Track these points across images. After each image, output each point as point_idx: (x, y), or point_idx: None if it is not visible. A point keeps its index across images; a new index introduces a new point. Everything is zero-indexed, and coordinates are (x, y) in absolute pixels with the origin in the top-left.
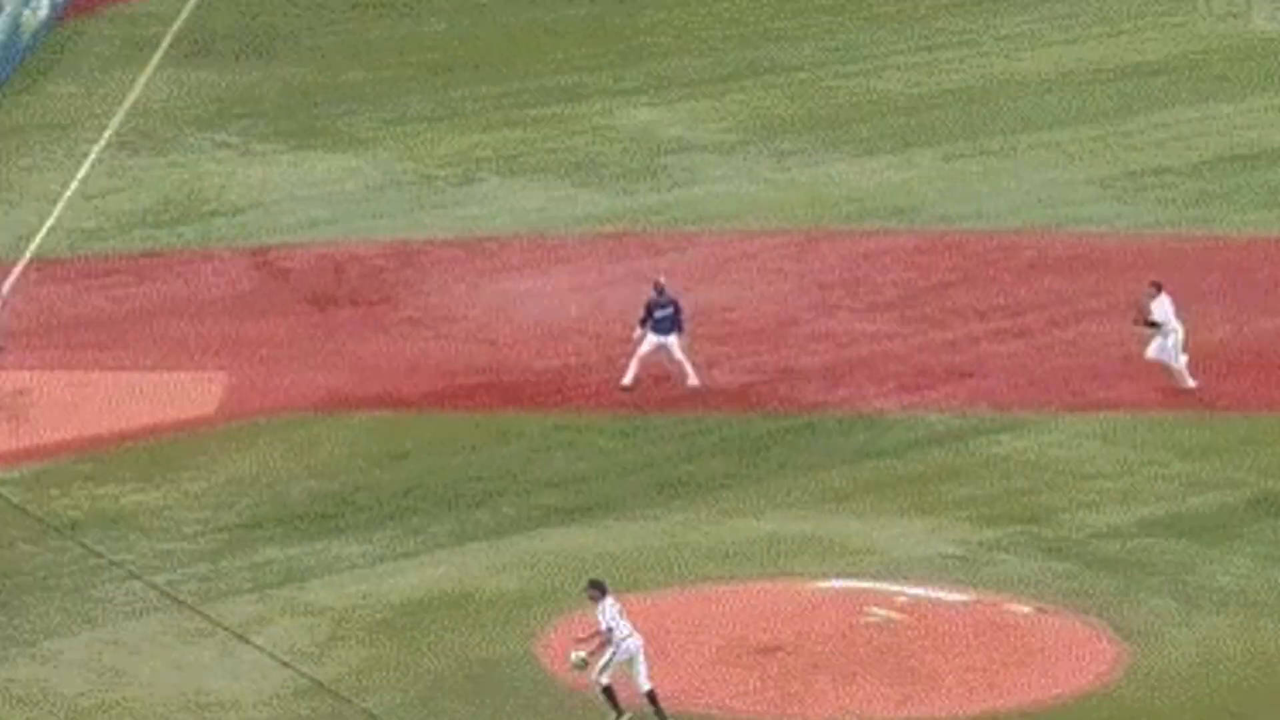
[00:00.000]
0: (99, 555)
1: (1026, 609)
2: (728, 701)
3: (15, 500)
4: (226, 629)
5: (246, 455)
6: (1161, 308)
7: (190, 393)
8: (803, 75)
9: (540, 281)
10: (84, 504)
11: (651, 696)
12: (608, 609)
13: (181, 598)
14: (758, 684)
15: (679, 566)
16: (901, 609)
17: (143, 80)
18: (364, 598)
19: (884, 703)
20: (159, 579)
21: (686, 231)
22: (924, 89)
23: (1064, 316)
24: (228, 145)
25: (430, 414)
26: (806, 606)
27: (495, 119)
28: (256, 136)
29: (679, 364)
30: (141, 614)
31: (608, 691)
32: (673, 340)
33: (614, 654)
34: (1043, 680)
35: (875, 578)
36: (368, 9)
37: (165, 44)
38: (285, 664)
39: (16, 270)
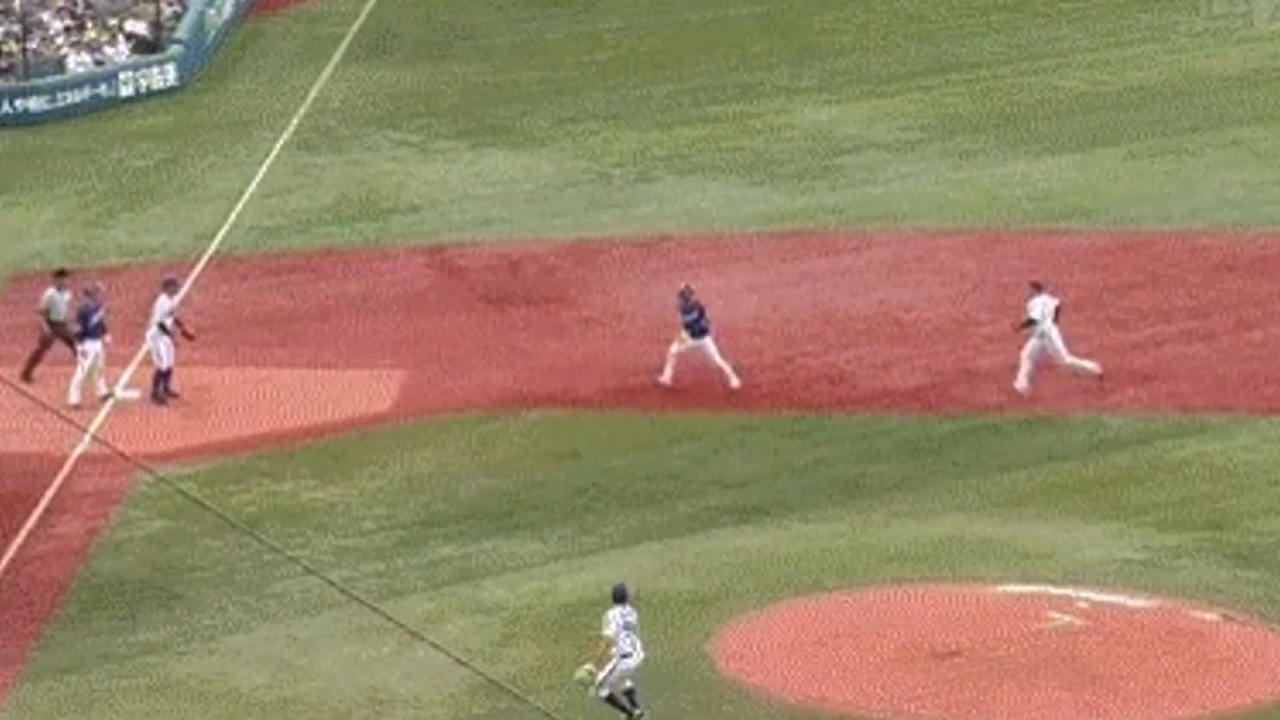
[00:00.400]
0: (277, 551)
1: (1211, 616)
2: (904, 706)
3: (196, 495)
4: (402, 626)
5: (422, 453)
6: (1039, 308)
7: (367, 390)
8: (983, 73)
9: (715, 280)
10: (262, 500)
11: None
12: (613, 618)
13: (358, 594)
14: (935, 688)
15: (854, 569)
16: (1082, 614)
17: (323, 79)
18: (538, 597)
19: (1064, 709)
20: (336, 575)
21: (864, 231)
22: (1108, 86)
23: (1252, 318)
24: (406, 144)
25: (604, 413)
26: (985, 611)
27: (671, 117)
28: (434, 135)
29: (719, 368)
30: (318, 610)
31: (611, 700)
32: (707, 343)
33: (614, 667)
34: (1227, 689)
35: (1056, 583)
36: (545, 7)
37: (345, 43)
38: (460, 662)
39: (198, 268)
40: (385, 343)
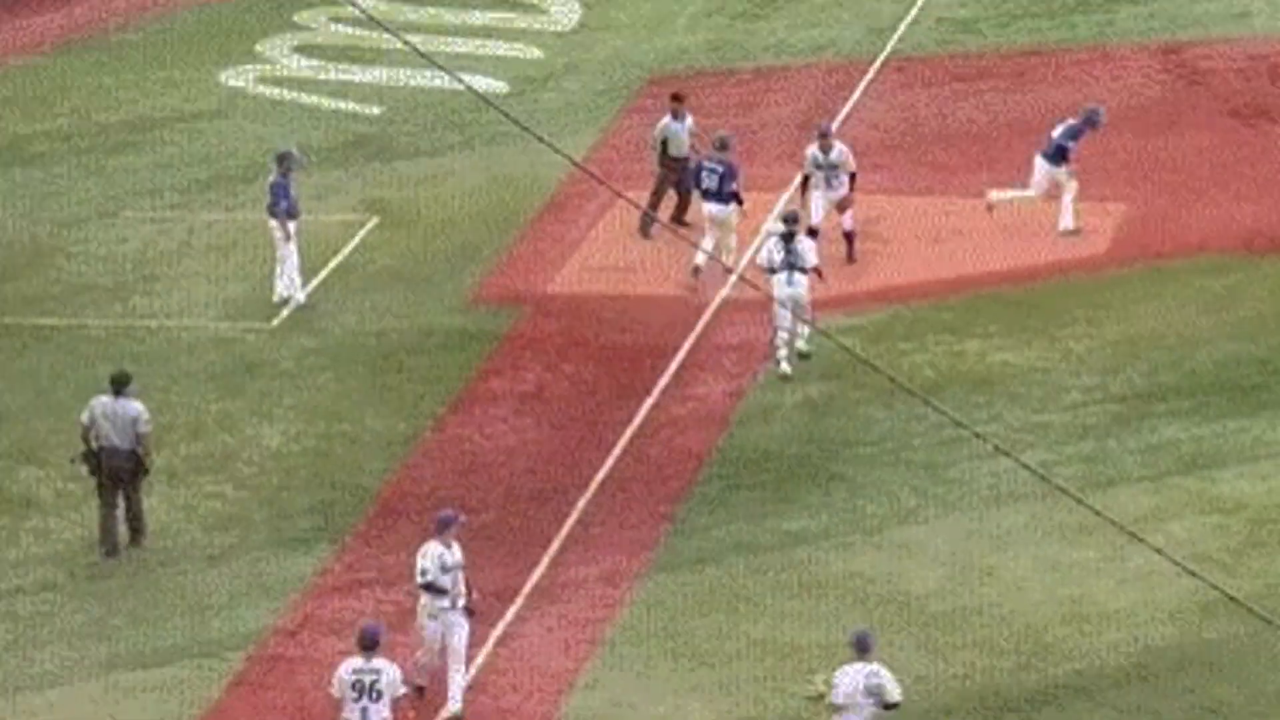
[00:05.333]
0: (959, 425)
1: None
2: None
3: (861, 353)
4: (1115, 524)
5: (1146, 308)
6: None
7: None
8: None
9: None
10: (942, 361)
11: None
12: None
13: (1059, 483)
14: None
15: None
16: None
17: None
18: None
19: None
20: (1032, 458)
21: None
22: None
23: None
24: None
25: None
26: None
27: None
28: None
29: None
30: (1009, 500)
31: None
32: None
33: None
34: None
35: None
36: None
37: None
38: (1189, 571)
39: (873, 70)
40: (1102, 167)
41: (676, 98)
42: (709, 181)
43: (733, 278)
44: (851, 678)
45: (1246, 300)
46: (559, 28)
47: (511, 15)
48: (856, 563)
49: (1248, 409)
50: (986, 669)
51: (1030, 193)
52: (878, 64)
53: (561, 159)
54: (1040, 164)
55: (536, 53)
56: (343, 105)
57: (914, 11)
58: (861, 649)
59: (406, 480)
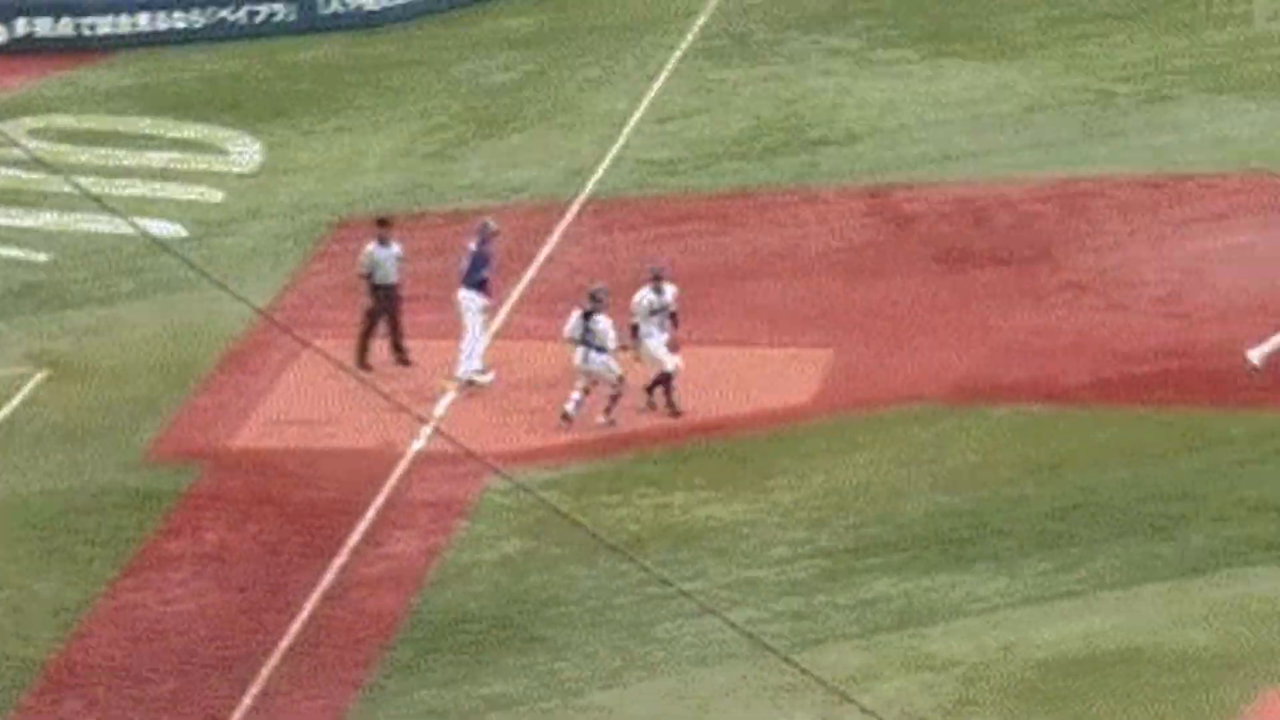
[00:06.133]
0: (664, 582)
1: None
2: None
3: (562, 508)
4: (824, 684)
5: (854, 458)
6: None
7: (782, 376)
8: None
9: (1254, 237)
10: (646, 515)
11: None
12: None
13: (767, 641)
14: None
15: None
16: None
17: None
18: (1003, 650)
19: None
20: (739, 615)
21: None
22: None
23: None
24: (842, 53)
25: (1097, 409)
26: None
27: (1195, 16)
28: (879, 41)
29: None
30: (716, 661)
31: None
32: None
33: None
34: None
35: None
36: None
37: None
38: None
39: (571, 212)
40: (808, 314)
41: (383, 223)
42: (463, 263)
43: (427, 428)
44: None
45: (955, 450)
46: (240, 169)
47: (189, 156)
48: None
49: (958, 563)
50: None
51: None
52: (576, 206)
53: (244, 306)
54: None
55: (217, 195)
56: (6, 252)
57: (613, 152)
58: None
59: (76, 650)
